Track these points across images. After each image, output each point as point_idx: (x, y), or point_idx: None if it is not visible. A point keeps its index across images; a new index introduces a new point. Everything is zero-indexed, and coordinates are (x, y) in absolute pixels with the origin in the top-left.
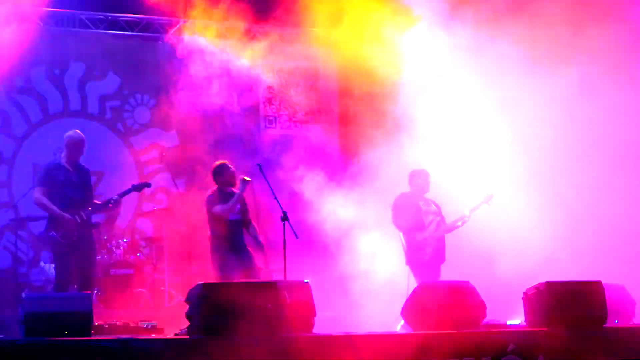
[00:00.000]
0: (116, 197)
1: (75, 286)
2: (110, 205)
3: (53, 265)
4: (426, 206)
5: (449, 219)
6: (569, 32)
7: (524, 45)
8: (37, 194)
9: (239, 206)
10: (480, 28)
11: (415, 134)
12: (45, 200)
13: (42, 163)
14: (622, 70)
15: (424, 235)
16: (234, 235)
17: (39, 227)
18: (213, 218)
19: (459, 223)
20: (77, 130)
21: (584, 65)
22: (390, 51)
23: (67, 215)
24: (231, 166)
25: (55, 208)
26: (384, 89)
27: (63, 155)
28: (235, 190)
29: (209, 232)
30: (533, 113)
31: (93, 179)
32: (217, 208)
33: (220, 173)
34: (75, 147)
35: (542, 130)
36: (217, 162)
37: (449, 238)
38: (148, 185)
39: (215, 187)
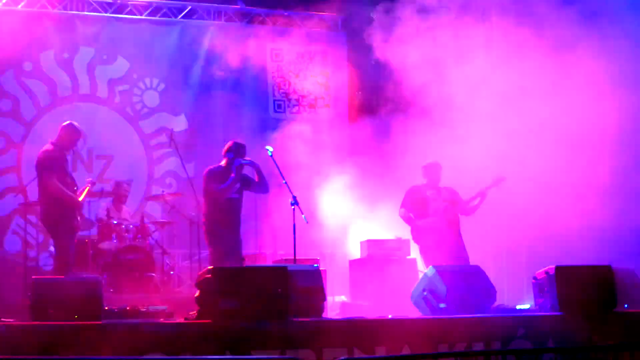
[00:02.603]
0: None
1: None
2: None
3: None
4: (435, 195)
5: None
6: None
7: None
8: (53, 180)
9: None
10: None
11: (426, 121)
12: (61, 187)
13: (43, 150)
14: None
15: (426, 222)
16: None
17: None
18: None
19: (476, 202)
20: (75, 123)
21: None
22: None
23: (80, 203)
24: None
25: (72, 195)
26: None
27: (57, 142)
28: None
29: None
30: (545, 102)
31: (103, 162)
32: (215, 186)
33: (230, 151)
34: (76, 137)
35: (557, 118)
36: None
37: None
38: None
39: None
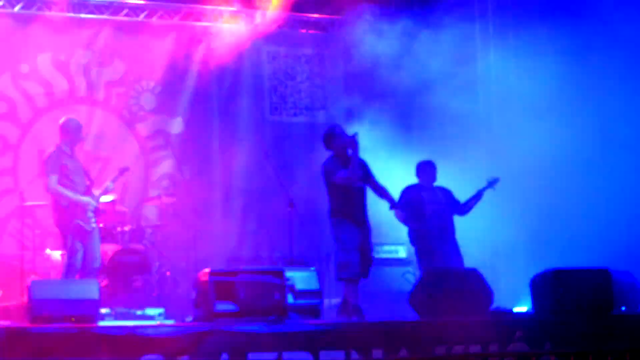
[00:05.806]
0: (110, 184)
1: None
2: (105, 193)
3: (63, 252)
4: (430, 196)
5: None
6: None
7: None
8: (52, 183)
9: (360, 172)
10: None
11: (423, 124)
12: (61, 189)
13: (47, 150)
14: None
15: (423, 225)
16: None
17: (44, 213)
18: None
19: (471, 203)
20: (73, 117)
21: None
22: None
23: (87, 202)
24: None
25: (75, 195)
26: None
27: (62, 141)
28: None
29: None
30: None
31: (99, 165)
32: (341, 173)
33: (333, 137)
34: (76, 133)
35: (553, 117)
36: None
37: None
38: (127, 169)
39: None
